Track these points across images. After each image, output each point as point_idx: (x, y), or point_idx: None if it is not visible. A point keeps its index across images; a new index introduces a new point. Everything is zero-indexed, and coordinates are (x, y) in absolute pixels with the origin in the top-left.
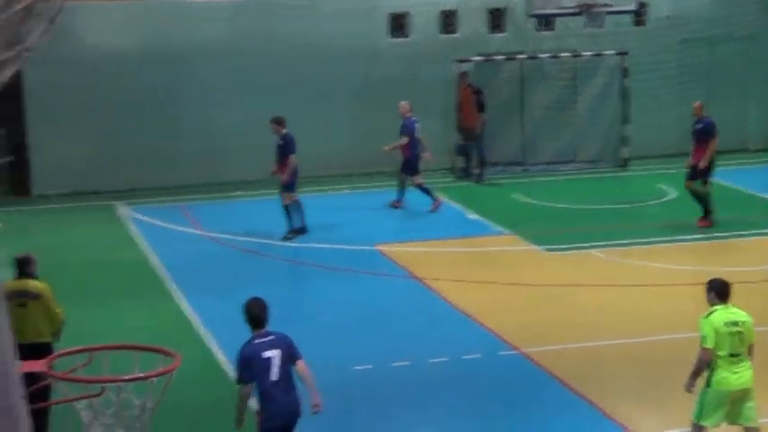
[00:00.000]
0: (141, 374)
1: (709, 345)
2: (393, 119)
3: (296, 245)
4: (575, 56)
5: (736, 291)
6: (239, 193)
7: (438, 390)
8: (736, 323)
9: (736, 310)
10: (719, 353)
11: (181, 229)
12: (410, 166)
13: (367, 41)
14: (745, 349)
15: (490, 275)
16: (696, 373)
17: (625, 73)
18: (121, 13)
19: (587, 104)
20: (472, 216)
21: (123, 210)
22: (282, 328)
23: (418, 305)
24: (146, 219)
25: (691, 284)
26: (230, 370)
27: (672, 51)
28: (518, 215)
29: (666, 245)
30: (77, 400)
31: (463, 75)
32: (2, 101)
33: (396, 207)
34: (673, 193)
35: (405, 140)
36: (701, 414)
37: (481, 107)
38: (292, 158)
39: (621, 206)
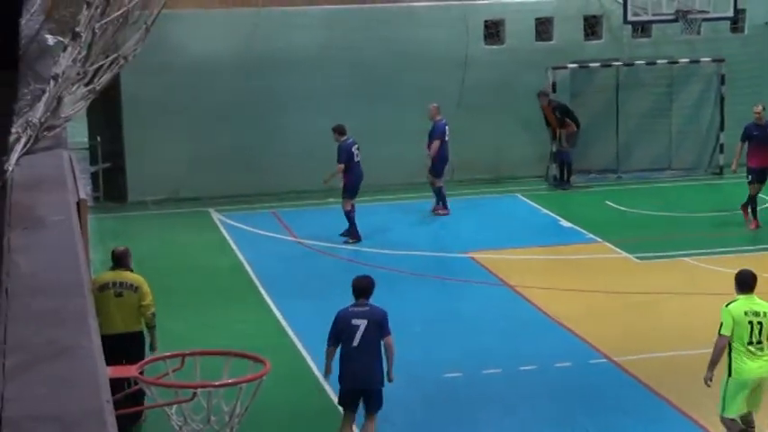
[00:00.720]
0: (231, 380)
1: (725, 332)
2: (488, 125)
3: (388, 252)
4: (671, 63)
5: None
6: (331, 200)
7: (528, 398)
8: (757, 313)
9: (759, 301)
10: (737, 342)
11: (274, 235)
12: (436, 168)
13: (462, 48)
14: (766, 339)
15: (581, 283)
16: (713, 362)
17: (722, 80)
18: (217, 20)
19: (683, 112)
20: (565, 223)
21: (218, 215)
22: None
23: (510, 313)
24: (240, 225)
25: None
26: (320, 376)
27: None
28: (611, 223)
29: (760, 253)
30: (168, 405)
31: (541, 94)
32: (99, 108)
33: (441, 213)
34: None
35: (436, 144)
36: (723, 406)
37: (562, 121)
38: (340, 167)
39: (716, 214)
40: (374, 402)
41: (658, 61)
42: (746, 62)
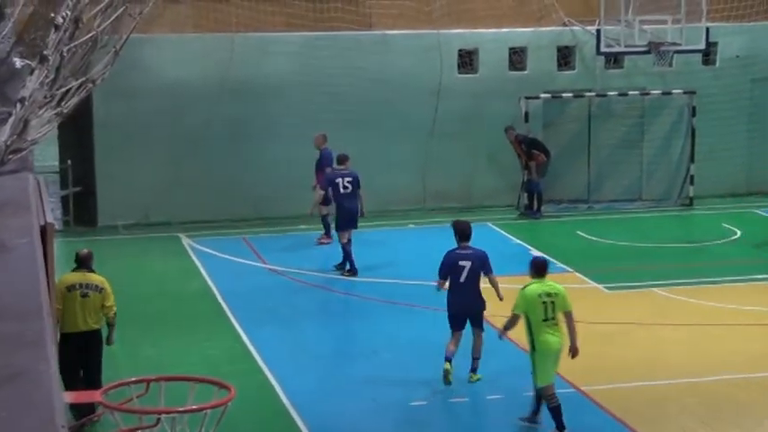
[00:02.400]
0: (195, 406)
1: (517, 311)
2: (461, 154)
3: (358, 280)
4: (643, 94)
5: None
6: (303, 226)
7: (495, 427)
8: (549, 294)
9: (551, 283)
10: (535, 319)
11: (244, 261)
12: (326, 196)
13: (436, 77)
14: (557, 315)
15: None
16: (506, 328)
17: (693, 112)
18: (191, 45)
19: (654, 143)
20: (536, 253)
21: (188, 241)
22: (344, 362)
23: None
24: (210, 250)
25: (753, 324)
26: (288, 402)
27: (741, 91)
28: (581, 253)
29: (730, 284)
30: (132, 431)
31: (508, 129)
32: (70, 132)
33: (324, 242)
34: (737, 233)
35: (330, 170)
36: (540, 377)
37: (530, 154)
38: (320, 193)
39: (685, 245)
40: (478, 322)
41: (630, 92)
42: (718, 94)
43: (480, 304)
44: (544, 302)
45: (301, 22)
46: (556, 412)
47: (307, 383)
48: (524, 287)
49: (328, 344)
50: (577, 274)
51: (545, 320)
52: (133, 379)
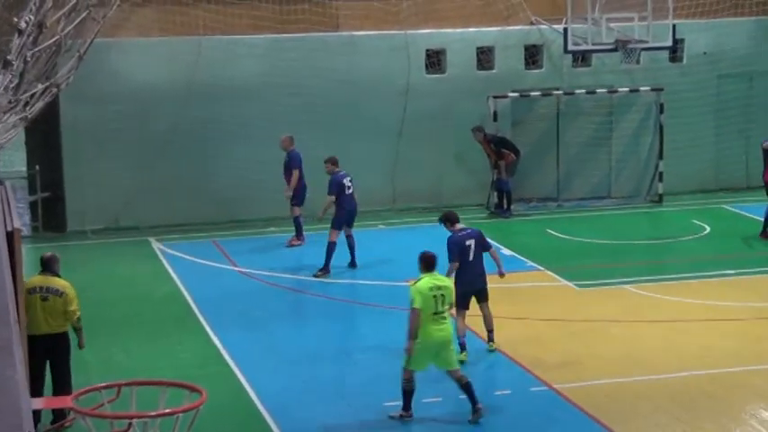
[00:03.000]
0: (167, 410)
1: (417, 305)
2: (430, 154)
3: (330, 281)
4: (611, 92)
5: None
6: (273, 228)
7: (468, 426)
8: (439, 287)
9: (440, 276)
10: (425, 312)
11: (215, 264)
12: (297, 197)
13: (404, 77)
14: (446, 309)
15: (522, 311)
16: (412, 334)
17: (661, 109)
18: (158, 49)
19: (622, 140)
20: (506, 252)
21: (158, 245)
22: (316, 363)
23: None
24: (180, 254)
25: (725, 320)
26: (260, 406)
27: (708, 87)
28: (551, 251)
29: (700, 280)
30: None
31: (476, 130)
32: (38, 137)
33: (295, 244)
34: (707, 229)
35: (296, 174)
36: (409, 361)
37: (499, 153)
38: (330, 199)
39: (655, 242)
40: (484, 296)
41: (598, 90)
42: (685, 91)
43: (486, 279)
44: (435, 296)
45: (268, 24)
46: (407, 395)
47: (279, 386)
48: (415, 282)
49: (300, 346)
50: (548, 272)
51: (434, 314)
52: (104, 384)
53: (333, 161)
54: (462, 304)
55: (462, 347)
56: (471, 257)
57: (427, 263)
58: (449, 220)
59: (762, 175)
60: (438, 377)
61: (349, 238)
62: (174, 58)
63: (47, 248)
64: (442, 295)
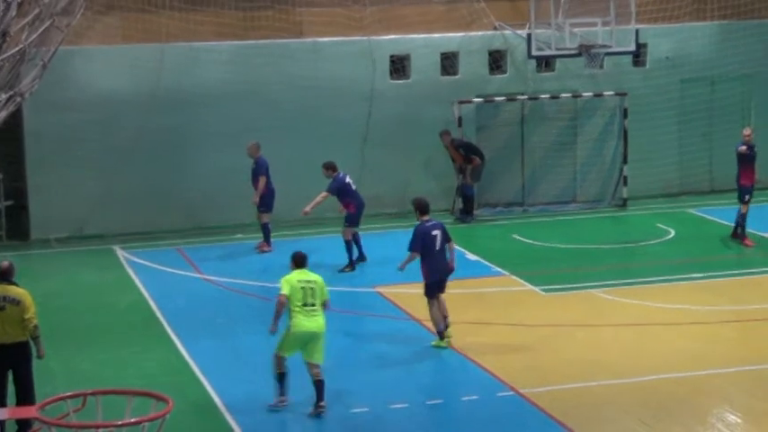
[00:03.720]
0: (133, 419)
1: (284, 292)
2: (395, 159)
3: None
4: (575, 96)
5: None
6: (240, 235)
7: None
8: (308, 281)
9: (309, 272)
10: (294, 303)
11: (180, 272)
12: (265, 204)
13: (368, 83)
14: (319, 302)
15: (489, 316)
16: (276, 316)
17: (624, 113)
18: (121, 56)
19: (587, 145)
20: (471, 257)
21: (123, 253)
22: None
23: (416, 346)
24: (145, 262)
25: (691, 323)
26: (226, 414)
27: (671, 91)
28: (517, 256)
29: (666, 284)
30: None
31: (443, 133)
32: (1, 145)
33: (265, 250)
34: (672, 233)
35: (263, 180)
36: (280, 347)
37: (469, 158)
38: (324, 194)
39: (620, 246)
40: (444, 286)
41: (562, 95)
42: (649, 95)
43: (450, 269)
44: (303, 288)
45: (231, 31)
46: (281, 380)
47: (245, 394)
48: (285, 276)
49: (266, 353)
50: (514, 277)
51: (304, 305)
52: (70, 393)
53: (331, 166)
54: (431, 293)
55: (441, 335)
56: (438, 246)
57: (296, 261)
58: (419, 209)
59: (736, 179)
60: (404, 384)
61: (355, 234)
62: (137, 65)
63: (11, 257)
64: (312, 288)
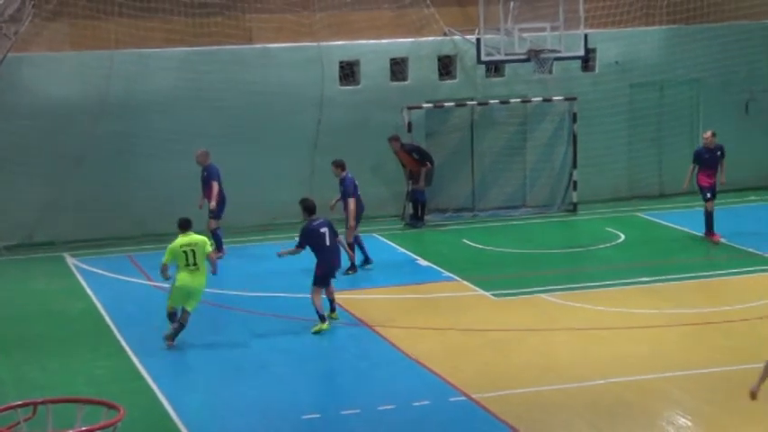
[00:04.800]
0: (84, 428)
1: (167, 261)
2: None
3: (246, 294)
4: (524, 101)
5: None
6: None
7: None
8: (189, 244)
9: (192, 234)
10: (180, 264)
11: (130, 279)
12: (217, 211)
13: (318, 89)
14: (200, 261)
15: (440, 322)
16: (163, 271)
17: (574, 118)
18: (70, 63)
19: (537, 149)
20: (422, 262)
21: (73, 260)
22: (233, 377)
23: (368, 353)
24: (95, 269)
25: (640, 327)
26: (178, 421)
27: (620, 96)
28: (468, 261)
29: (616, 288)
30: None
31: (392, 139)
32: None
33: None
34: (621, 237)
35: (216, 187)
36: (170, 299)
37: (423, 162)
38: (352, 201)
39: (571, 250)
40: (334, 275)
41: (512, 100)
42: (598, 100)
43: (340, 260)
44: (185, 251)
45: (181, 38)
46: (172, 318)
47: (196, 401)
48: (171, 243)
49: (217, 360)
50: (464, 282)
51: (187, 265)
52: (20, 402)
53: (341, 165)
54: (320, 283)
55: (322, 318)
56: (328, 243)
57: (181, 225)
58: (306, 209)
59: (696, 180)
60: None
61: (357, 236)
62: (86, 72)
63: None
64: (192, 250)
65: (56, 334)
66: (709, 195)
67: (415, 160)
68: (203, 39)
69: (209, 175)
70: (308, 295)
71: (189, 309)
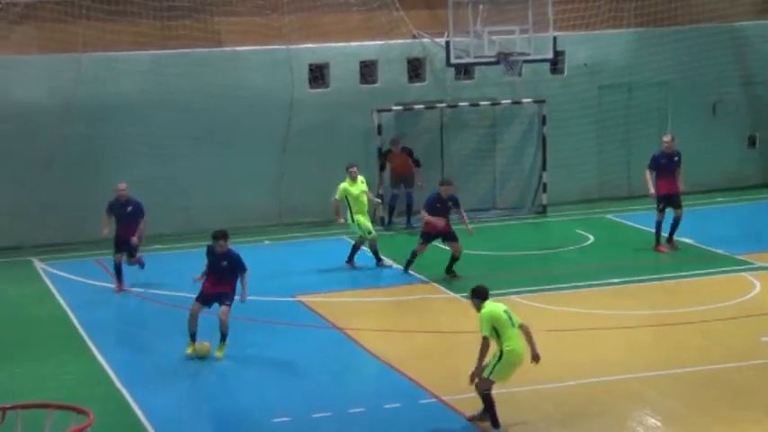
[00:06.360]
0: None
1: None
2: (315, 168)
3: None
4: (493, 104)
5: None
6: (158, 246)
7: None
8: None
9: None
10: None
11: (98, 283)
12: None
13: (287, 92)
14: None
15: (410, 324)
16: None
17: (543, 120)
18: (38, 66)
19: (506, 152)
20: (393, 265)
21: (41, 265)
22: (203, 381)
23: (338, 355)
24: (64, 273)
25: (611, 328)
26: (148, 425)
27: (589, 98)
28: (438, 263)
29: (586, 289)
30: None
31: (394, 141)
32: None
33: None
34: (591, 238)
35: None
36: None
37: (418, 162)
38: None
39: (540, 252)
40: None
41: (481, 103)
42: (567, 102)
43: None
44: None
45: (149, 41)
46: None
47: (167, 405)
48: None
49: (187, 364)
50: (434, 284)
51: None
52: None
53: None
54: (207, 304)
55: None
56: (217, 267)
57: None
58: (218, 237)
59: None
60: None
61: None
62: (54, 75)
63: None
64: None
65: (24, 339)
66: (661, 206)
67: (412, 162)
68: (172, 42)
69: (138, 210)
70: (278, 298)
71: None
